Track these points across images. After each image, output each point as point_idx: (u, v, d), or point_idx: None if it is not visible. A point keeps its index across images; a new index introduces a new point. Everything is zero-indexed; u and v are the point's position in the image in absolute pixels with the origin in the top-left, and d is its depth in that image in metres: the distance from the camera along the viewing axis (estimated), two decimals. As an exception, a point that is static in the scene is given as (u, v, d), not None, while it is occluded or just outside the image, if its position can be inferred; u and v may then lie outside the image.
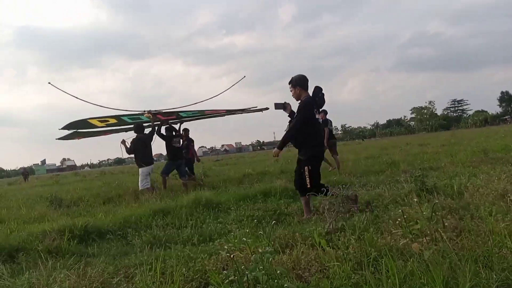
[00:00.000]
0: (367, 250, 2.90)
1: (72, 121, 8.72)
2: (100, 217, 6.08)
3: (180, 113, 9.93)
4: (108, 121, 9.37)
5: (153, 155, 9.88)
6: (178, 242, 4.45)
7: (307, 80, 5.26)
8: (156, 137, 9.49)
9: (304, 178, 5.00)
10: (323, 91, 5.30)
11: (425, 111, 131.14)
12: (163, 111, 9.34)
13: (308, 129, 5.07)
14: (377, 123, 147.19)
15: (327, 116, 11.29)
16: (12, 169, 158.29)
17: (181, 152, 10.30)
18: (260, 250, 2.39)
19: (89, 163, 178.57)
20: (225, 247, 2.53)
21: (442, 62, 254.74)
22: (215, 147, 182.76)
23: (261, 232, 3.51)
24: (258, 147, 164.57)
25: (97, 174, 33.76)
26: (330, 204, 3.95)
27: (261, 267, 2.23)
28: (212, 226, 5.11)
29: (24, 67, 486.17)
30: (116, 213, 6.41)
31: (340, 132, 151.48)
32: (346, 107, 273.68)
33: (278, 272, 2.23)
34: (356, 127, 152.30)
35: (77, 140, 12.26)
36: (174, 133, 10.19)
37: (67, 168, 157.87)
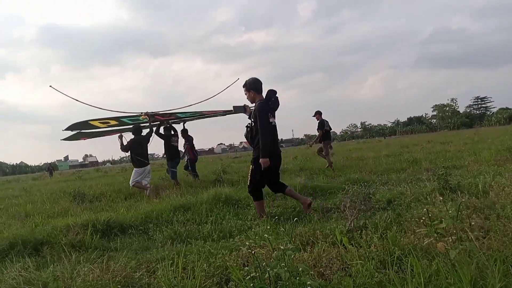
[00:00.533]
0: (390, 249, 2.85)
1: (74, 122, 8.97)
2: (122, 212, 6.16)
3: (177, 114, 10.02)
4: (109, 122, 9.61)
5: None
6: (199, 237, 4.47)
7: (261, 84, 5.38)
8: (154, 137, 9.65)
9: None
10: (276, 95, 5.35)
11: (447, 108, 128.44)
12: (160, 112, 9.49)
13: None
14: (398, 120, 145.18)
15: (323, 117, 11.56)
16: (36, 164, 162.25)
17: (179, 151, 10.52)
18: (281, 247, 2.38)
19: (110, 159, 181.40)
20: (247, 243, 2.51)
21: (465, 58, 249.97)
22: (233, 144, 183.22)
23: (282, 229, 3.49)
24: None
25: (119, 170, 34.31)
26: (351, 201, 3.90)
27: (282, 264, 2.21)
28: (232, 222, 5.11)
29: (47, 66, 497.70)
30: (137, 209, 6.49)
31: (359, 129, 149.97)
32: (366, 104, 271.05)
33: (300, 269, 2.21)
34: (376, 124, 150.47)
35: (82, 140, 12.57)
36: (172, 133, 10.37)
37: (89, 164, 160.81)
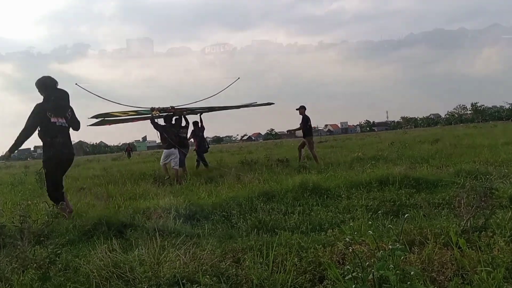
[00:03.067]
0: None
1: (99, 113, 11.51)
2: (203, 197, 6.41)
3: (189, 108, 11.89)
4: (128, 113, 11.97)
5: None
6: (286, 228, 4.48)
7: (48, 84, 5.76)
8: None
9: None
10: (60, 96, 5.82)
11: None
12: (171, 107, 11.41)
13: (42, 133, 5.63)
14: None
15: (306, 112, 12.59)
16: (115, 145, 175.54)
17: (187, 142, 12.33)
18: (388, 246, 2.28)
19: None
20: (346, 238, 2.45)
21: None
22: (317, 127, 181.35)
23: (390, 226, 3.36)
24: (368, 128, 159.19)
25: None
26: (468, 197, 3.63)
27: (391, 265, 2.12)
28: (322, 214, 5.07)
29: (127, 42, 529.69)
30: (219, 194, 6.70)
31: (469, 112, 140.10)
32: (478, 82, 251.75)
33: (411, 273, 2.10)
34: (490, 106, 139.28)
35: (108, 126, 15.18)
36: (184, 124, 12.06)
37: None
